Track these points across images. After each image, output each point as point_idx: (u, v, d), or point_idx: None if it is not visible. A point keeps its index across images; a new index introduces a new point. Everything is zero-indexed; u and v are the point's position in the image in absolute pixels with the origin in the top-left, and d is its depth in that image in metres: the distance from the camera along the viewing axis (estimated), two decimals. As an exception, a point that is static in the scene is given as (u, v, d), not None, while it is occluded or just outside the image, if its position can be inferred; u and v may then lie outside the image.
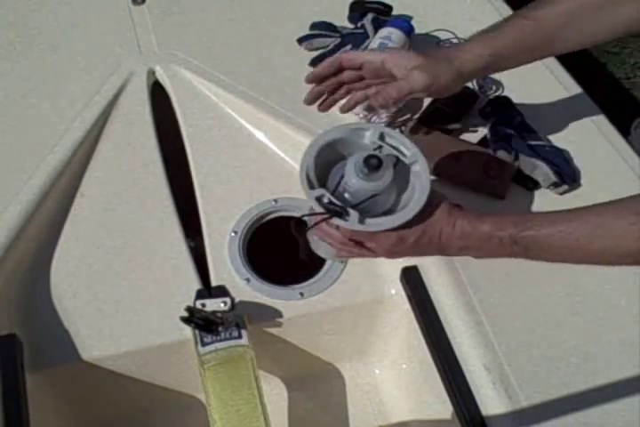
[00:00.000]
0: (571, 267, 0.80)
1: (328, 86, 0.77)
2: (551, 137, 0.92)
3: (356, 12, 1.04)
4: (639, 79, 2.02)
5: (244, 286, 0.81)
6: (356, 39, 1.01)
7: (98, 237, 0.84)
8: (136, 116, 0.94)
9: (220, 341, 0.75)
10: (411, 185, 0.65)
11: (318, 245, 0.74)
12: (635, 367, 0.72)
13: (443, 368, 0.74)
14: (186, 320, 0.72)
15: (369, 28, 1.01)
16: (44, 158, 0.86)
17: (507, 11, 1.09)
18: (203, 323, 0.73)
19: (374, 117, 0.91)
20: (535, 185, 0.87)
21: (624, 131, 1.01)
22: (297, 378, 0.94)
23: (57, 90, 0.95)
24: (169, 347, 0.78)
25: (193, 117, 0.94)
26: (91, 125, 0.91)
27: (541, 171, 0.85)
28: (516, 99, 0.93)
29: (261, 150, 0.93)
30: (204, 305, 0.75)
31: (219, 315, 0.75)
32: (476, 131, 0.92)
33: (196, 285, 0.81)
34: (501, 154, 0.87)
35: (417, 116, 0.92)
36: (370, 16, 1.02)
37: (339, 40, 1.01)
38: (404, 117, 0.92)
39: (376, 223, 0.62)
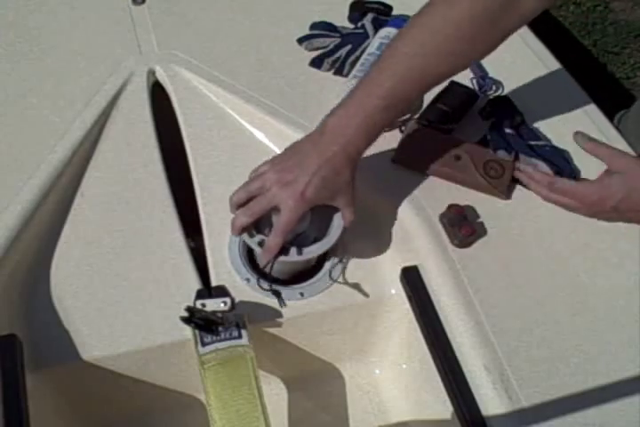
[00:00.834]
0: (571, 267, 0.80)
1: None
2: (551, 137, 0.92)
3: (356, 12, 1.05)
4: (639, 79, 2.02)
5: (244, 286, 0.81)
6: (356, 39, 1.01)
7: (98, 237, 0.84)
8: (136, 116, 0.94)
9: (220, 341, 0.75)
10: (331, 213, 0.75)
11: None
12: (635, 367, 0.72)
13: (443, 368, 0.74)
14: (186, 320, 0.72)
15: (369, 28, 1.01)
16: (44, 158, 0.86)
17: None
18: (203, 323, 0.73)
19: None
20: (535, 185, 0.87)
21: (624, 131, 1.01)
22: (297, 378, 0.94)
23: (57, 90, 0.95)
24: (169, 347, 0.78)
25: (193, 117, 0.95)
26: (91, 125, 0.91)
27: (541, 171, 0.85)
28: (516, 98, 0.93)
29: (261, 150, 0.93)
30: (204, 305, 0.75)
31: (219, 315, 0.75)
32: (475, 131, 0.92)
33: (196, 285, 0.81)
34: (501, 154, 0.87)
35: (417, 116, 0.92)
36: (370, 16, 1.03)
37: (339, 40, 1.01)
38: (404, 117, 0.92)
39: (309, 251, 0.74)
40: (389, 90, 0.69)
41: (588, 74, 1.32)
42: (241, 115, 0.95)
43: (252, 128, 0.94)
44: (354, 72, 0.95)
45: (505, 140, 0.88)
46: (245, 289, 0.81)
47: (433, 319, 0.77)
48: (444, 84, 0.95)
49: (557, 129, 0.93)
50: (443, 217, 0.81)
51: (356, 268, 0.85)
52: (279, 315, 0.81)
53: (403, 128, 0.91)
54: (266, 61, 1.00)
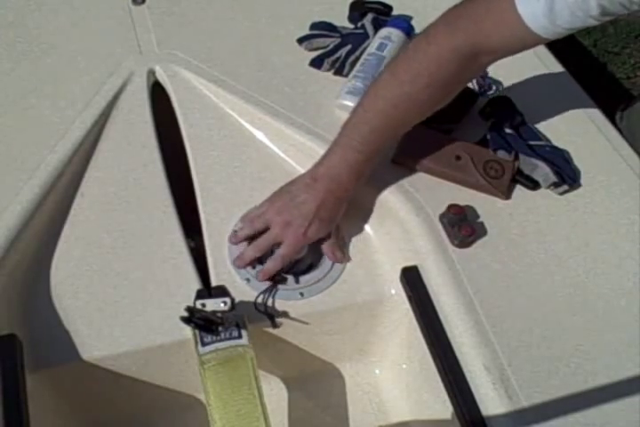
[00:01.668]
0: (571, 267, 0.80)
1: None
2: (551, 137, 0.92)
3: (356, 12, 1.04)
4: (639, 79, 2.02)
5: (244, 286, 0.81)
6: (356, 39, 1.01)
7: (98, 237, 0.84)
8: (136, 116, 0.94)
9: (220, 341, 0.75)
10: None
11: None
12: (635, 367, 0.72)
13: (443, 368, 0.74)
14: (186, 320, 0.72)
15: (369, 28, 1.01)
16: (44, 158, 0.86)
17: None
18: (203, 323, 0.73)
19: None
20: (535, 185, 0.87)
21: (624, 131, 1.01)
22: (297, 378, 0.94)
23: (57, 90, 0.95)
24: (169, 347, 0.78)
25: (193, 117, 0.95)
26: (91, 125, 0.91)
27: (541, 171, 0.85)
28: (516, 98, 0.93)
29: (261, 150, 0.93)
30: (204, 305, 0.75)
31: (219, 315, 0.75)
32: (475, 131, 0.92)
33: (195, 285, 0.81)
34: (501, 154, 0.87)
35: (417, 116, 0.92)
36: (370, 16, 1.02)
37: (339, 40, 1.01)
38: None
39: (305, 280, 0.83)
40: (365, 144, 0.78)
41: (588, 74, 1.32)
42: (241, 115, 0.95)
43: (251, 128, 0.94)
44: (354, 72, 0.95)
45: (505, 141, 0.88)
46: (245, 289, 0.81)
47: (433, 319, 0.77)
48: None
49: (557, 129, 0.93)
50: (443, 217, 0.81)
51: (356, 268, 0.85)
52: (279, 315, 0.80)
53: (403, 128, 0.91)
54: (266, 61, 1.00)
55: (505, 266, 0.80)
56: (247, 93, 0.95)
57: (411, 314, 0.80)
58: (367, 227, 0.88)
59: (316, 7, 1.08)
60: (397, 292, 0.83)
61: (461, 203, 0.82)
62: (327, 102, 0.95)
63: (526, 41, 0.71)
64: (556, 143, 0.91)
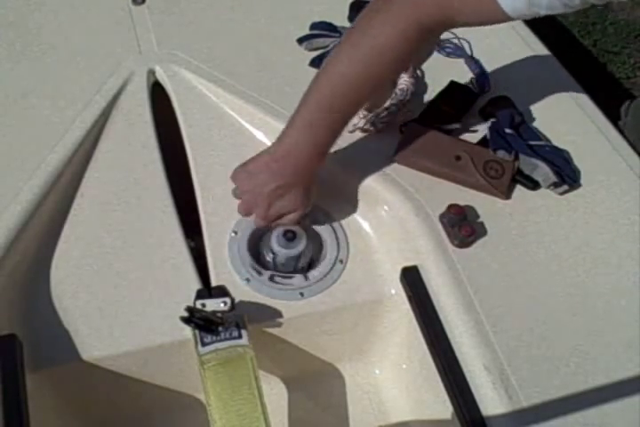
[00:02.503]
0: (571, 267, 0.80)
1: None
2: (551, 137, 0.92)
3: (355, 12, 1.04)
4: (639, 79, 2.02)
5: (244, 286, 0.81)
6: (356, 39, 1.01)
7: (98, 237, 0.84)
8: (136, 116, 0.94)
9: (220, 341, 0.75)
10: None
11: None
12: (635, 367, 0.72)
13: (443, 368, 0.74)
14: (186, 320, 0.72)
15: (369, 27, 1.01)
16: (44, 158, 0.86)
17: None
18: (203, 323, 0.73)
19: (374, 117, 0.91)
20: (535, 185, 0.87)
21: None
22: (297, 378, 0.94)
23: (57, 90, 0.95)
24: (169, 347, 0.78)
25: (193, 117, 0.95)
26: (91, 125, 0.91)
27: (541, 171, 0.85)
28: (516, 98, 0.93)
29: (261, 150, 0.92)
30: (204, 305, 0.75)
31: (219, 315, 0.75)
32: (475, 131, 0.92)
33: (195, 285, 0.81)
34: (501, 154, 0.87)
35: (417, 116, 0.92)
36: (370, 16, 1.02)
37: (339, 40, 1.01)
38: (404, 117, 0.92)
39: (313, 275, 0.84)
40: (323, 118, 0.76)
41: (588, 74, 1.32)
42: (241, 115, 0.95)
43: (252, 128, 0.94)
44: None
45: (505, 141, 0.88)
46: (245, 289, 0.81)
47: (433, 319, 0.77)
48: (445, 84, 0.95)
49: (557, 129, 0.93)
50: (443, 217, 0.81)
51: (356, 268, 0.85)
52: (279, 315, 0.81)
53: (403, 128, 0.91)
54: (266, 61, 1.00)
55: (505, 266, 0.80)
56: (247, 93, 0.95)
57: (411, 314, 0.80)
58: (367, 227, 0.88)
59: (316, 7, 1.08)
60: (397, 292, 0.83)
61: (461, 203, 0.82)
62: (327, 102, 0.95)
63: (497, 20, 0.70)
64: (555, 143, 0.91)
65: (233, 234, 0.85)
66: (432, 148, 0.87)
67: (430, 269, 0.80)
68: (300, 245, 0.81)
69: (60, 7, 1.07)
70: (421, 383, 0.86)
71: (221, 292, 0.79)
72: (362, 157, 0.88)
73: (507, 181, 0.85)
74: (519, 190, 0.87)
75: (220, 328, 0.75)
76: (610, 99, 1.23)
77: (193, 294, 0.78)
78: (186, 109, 0.95)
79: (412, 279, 0.80)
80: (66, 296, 0.80)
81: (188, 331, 0.77)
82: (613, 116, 1.24)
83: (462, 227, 0.79)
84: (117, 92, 0.95)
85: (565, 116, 0.95)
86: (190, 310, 0.72)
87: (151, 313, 0.79)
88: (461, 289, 0.77)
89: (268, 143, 0.93)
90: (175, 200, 0.87)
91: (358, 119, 0.91)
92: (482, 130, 0.91)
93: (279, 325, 0.81)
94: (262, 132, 0.94)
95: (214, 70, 0.98)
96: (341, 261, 0.85)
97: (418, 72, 1.00)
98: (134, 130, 0.93)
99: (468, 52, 1.02)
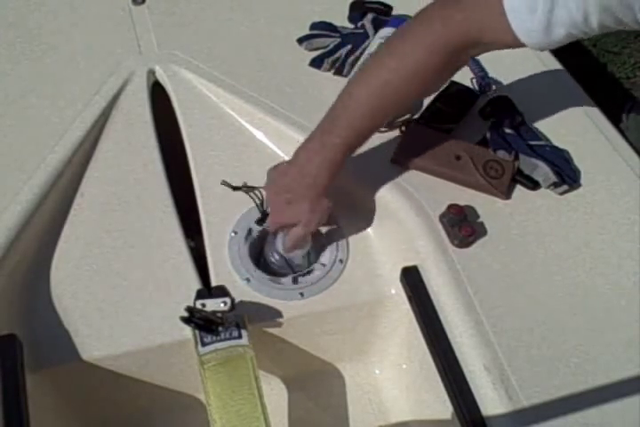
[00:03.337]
0: (571, 267, 0.80)
1: None
2: (551, 137, 0.92)
3: (355, 12, 1.04)
4: (639, 79, 2.02)
5: (244, 286, 0.81)
6: (356, 39, 1.01)
7: (98, 237, 0.84)
8: (136, 116, 0.94)
9: (220, 341, 0.75)
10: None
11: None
12: (635, 367, 0.72)
13: (443, 368, 0.74)
14: (186, 320, 0.72)
15: (369, 27, 1.01)
16: (44, 158, 0.86)
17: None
18: (203, 323, 0.73)
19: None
20: (535, 185, 0.87)
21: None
22: (297, 378, 0.94)
23: (57, 90, 0.95)
24: (169, 347, 0.78)
25: (193, 117, 0.95)
26: (91, 125, 0.91)
27: (541, 171, 0.85)
28: (516, 98, 0.93)
29: (261, 150, 0.93)
30: (204, 305, 0.75)
31: (219, 315, 0.75)
32: (476, 131, 0.92)
33: (195, 285, 0.81)
34: (501, 154, 0.87)
35: (417, 116, 0.92)
36: (370, 16, 1.02)
37: (339, 40, 1.01)
38: (404, 117, 0.92)
39: (305, 280, 0.84)
40: (345, 136, 0.75)
41: (588, 74, 1.32)
42: (241, 115, 0.95)
43: (252, 128, 0.94)
44: (354, 72, 0.95)
45: (505, 141, 0.88)
46: (245, 289, 0.81)
47: (433, 319, 0.77)
48: (445, 84, 0.95)
49: (557, 129, 0.93)
50: (443, 217, 0.81)
51: (356, 268, 0.85)
52: (279, 315, 0.81)
53: (403, 128, 0.91)
54: (266, 61, 1.00)
55: (505, 266, 0.80)
56: (247, 93, 0.95)
57: (411, 314, 0.80)
58: (367, 227, 0.88)
59: (316, 7, 1.08)
60: (397, 292, 0.83)
61: (461, 203, 0.82)
62: (327, 102, 0.94)
63: (511, 45, 0.69)
64: (556, 143, 0.91)
65: (233, 234, 0.85)
66: (432, 148, 0.87)
67: (430, 269, 0.80)
68: (305, 249, 0.82)
69: (59, 7, 1.07)
70: (421, 383, 0.86)
71: (221, 292, 0.79)
72: (362, 157, 0.88)
73: (507, 181, 0.85)
74: (519, 190, 0.87)
75: (220, 328, 0.75)
76: (610, 99, 1.23)
77: (193, 294, 0.78)
78: (186, 109, 0.95)
79: (411, 279, 0.80)
80: (66, 296, 0.80)
81: (188, 331, 0.77)
82: (613, 117, 1.24)
83: (462, 227, 0.79)
84: (117, 92, 0.95)
85: (565, 116, 0.95)
86: (190, 310, 0.72)
87: (151, 313, 0.79)
88: (461, 289, 0.77)
89: (268, 143, 0.93)
90: (175, 200, 0.87)
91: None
92: (482, 130, 0.91)
93: (279, 325, 0.81)
94: (262, 132, 0.94)
95: (214, 70, 0.98)
96: (341, 261, 0.85)
97: (418, 72, 1.00)
98: (134, 130, 0.93)
99: (468, 52, 1.01)
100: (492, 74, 0.98)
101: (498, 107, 0.93)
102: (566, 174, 0.86)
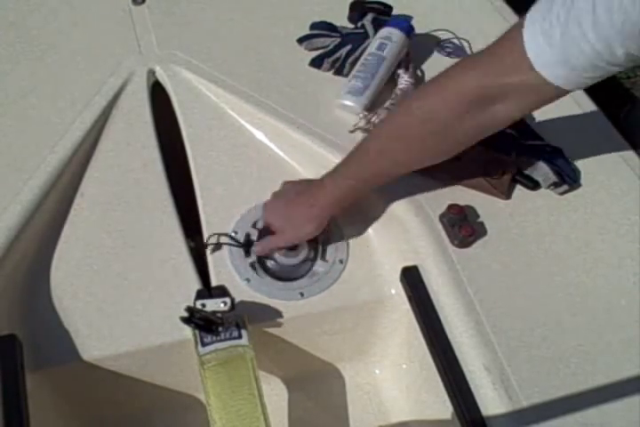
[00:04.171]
0: (571, 267, 0.80)
1: None
2: (551, 137, 0.92)
3: (356, 12, 1.04)
4: (639, 79, 2.02)
5: (244, 286, 0.81)
6: (356, 39, 1.01)
7: (98, 237, 0.84)
8: (136, 116, 0.94)
9: (220, 341, 0.75)
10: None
11: None
12: (635, 367, 0.72)
13: (443, 368, 0.74)
14: (186, 320, 0.72)
15: (369, 27, 1.01)
16: (44, 158, 0.86)
17: (507, 11, 1.09)
18: (203, 323, 0.73)
19: (374, 117, 0.91)
20: (535, 185, 0.87)
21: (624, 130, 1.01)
22: (297, 378, 0.94)
23: (57, 90, 0.95)
24: (169, 347, 0.78)
25: (193, 117, 0.95)
26: (91, 125, 0.91)
27: (541, 171, 0.85)
28: (516, 99, 0.93)
29: (261, 150, 0.93)
30: (204, 305, 0.75)
31: (219, 315, 0.75)
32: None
33: (195, 285, 0.81)
34: (501, 154, 0.87)
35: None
36: (370, 16, 1.02)
37: (339, 40, 1.01)
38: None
39: (305, 280, 0.85)
40: (363, 181, 0.78)
41: (588, 74, 1.32)
42: (241, 115, 0.95)
43: (252, 128, 0.94)
44: (354, 72, 0.95)
45: (505, 141, 0.88)
46: (245, 289, 0.81)
47: (433, 319, 0.77)
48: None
49: (557, 129, 0.93)
50: (443, 217, 0.81)
51: (356, 268, 0.85)
52: (279, 315, 0.81)
53: (403, 128, 0.91)
54: (266, 61, 1.00)
55: (505, 266, 0.80)
56: (247, 93, 0.95)
57: (411, 314, 0.80)
58: (367, 227, 0.88)
59: (316, 7, 1.08)
60: (397, 292, 0.83)
61: (461, 203, 0.82)
62: (327, 102, 0.95)
63: (541, 90, 0.64)
64: (556, 143, 0.91)
65: (233, 234, 0.85)
66: (432, 148, 0.87)
67: (430, 269, 0.80)
68: (301, 255, 0.83)
69: (59, 7, 1.07)
70: (421, 383, 0.86)
71: (221, 292, 0.79)
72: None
73: (507, 181, 0.85)
74: (519, 190, 0.87)
75: (220, 328, 0.75)
76: (610, 99, 1.23)
77: (193, 294, 0.78)
78: (186, 109, 0.95)
79: (411, 279, 0.80)
80: (66, 296, 0.80)
81: (188, 331, 0.77)
82: (613, 117, 1.24)
83: (462, 227, 0.79)
84: (117, 92, 0.95)
85: (565, 116, 0.95)
86: (190, 310, 0.72)
87: (151, 313, 0.79)
88: (461, 289, 0.77)
89: (268, 143, 0.93)
90: (175, 200, 0.87)
91: (358, 119, 0.91)
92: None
93: (279, 325, 0.81)
94: (262, 133, 0.94)
95: (214, 70, 0.98)
96: (341, 261, 0.85)
97: (418, 72, 1.00)
98: (134, 130, 0.93)
99: (468, 52, 1.02)
100: (492, 74, 0.97)
101: (498, 107, 0.92)
102: (566, 174, 0.86)
